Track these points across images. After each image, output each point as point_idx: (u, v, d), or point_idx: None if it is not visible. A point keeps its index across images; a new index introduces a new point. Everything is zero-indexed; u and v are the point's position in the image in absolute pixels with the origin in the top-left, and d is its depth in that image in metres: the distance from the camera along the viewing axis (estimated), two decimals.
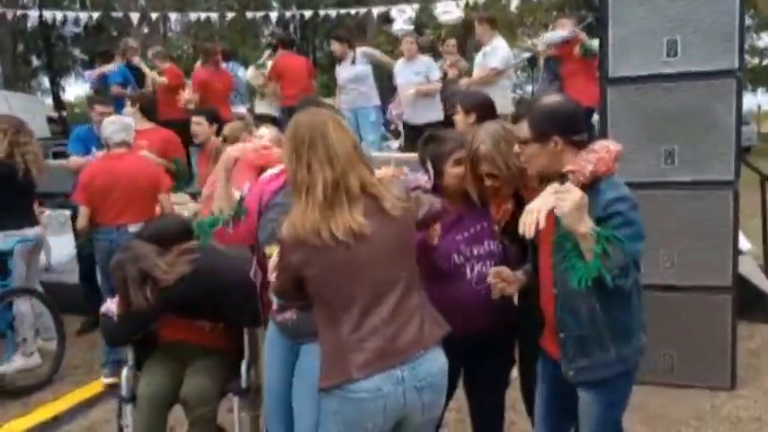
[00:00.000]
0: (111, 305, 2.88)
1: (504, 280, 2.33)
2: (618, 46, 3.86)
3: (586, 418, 2.22)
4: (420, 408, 2.04)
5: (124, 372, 2.95)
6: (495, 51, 6.38)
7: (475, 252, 2.57)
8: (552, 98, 2.19)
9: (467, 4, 10.74)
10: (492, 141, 2.43)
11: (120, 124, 4.47)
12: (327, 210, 1.89)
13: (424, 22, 7.28)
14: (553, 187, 1.95)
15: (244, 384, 2.92)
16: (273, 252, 2.16)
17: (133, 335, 2.91)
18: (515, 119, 2.18)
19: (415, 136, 6.70)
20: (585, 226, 1.90)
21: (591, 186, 2.04)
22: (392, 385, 1.97)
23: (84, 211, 4.31)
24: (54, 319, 4.58)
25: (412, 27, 8.79)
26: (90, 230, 4.37)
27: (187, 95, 7.05)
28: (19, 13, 14.16)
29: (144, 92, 6.74)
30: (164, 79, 7.32)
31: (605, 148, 2.13)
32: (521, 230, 1.92)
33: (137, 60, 7.72)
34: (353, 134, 2.08)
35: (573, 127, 2.12)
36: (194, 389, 2.84)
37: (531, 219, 1.91)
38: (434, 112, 6.73)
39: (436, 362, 2.06)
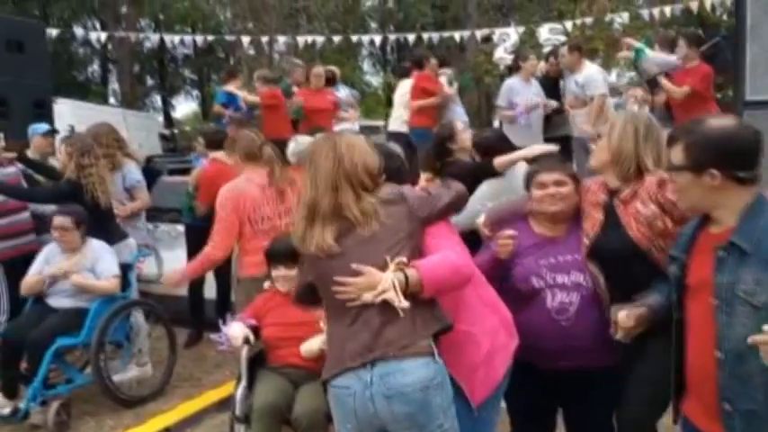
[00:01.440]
0: (229, 330, 2.92)
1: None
2: (755, 67, 3.60)
3: None
4: (392, 419, 2.03)
5: (239, 390, 2.96)
6: (593, 80, 6.26)
7: (558, 280, 2.46)
8: (720, 122, 1.85)
9: (574, 25, 10.53)
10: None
11: (292, 147, 4.73)
12: (308, 225, 2.11)
13: (558, 49, 7.11)
14: None
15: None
16: None
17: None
18: (670, 140, 1.90)
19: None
20: None
21: None
22: (360, 387, 2.04)
23: None
24: (166, 331, 4.74)
25: (510, 56, 8.67)
26: None
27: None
28: (141, 36, 15.16)
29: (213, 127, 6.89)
30: (255, 98, 7.50)
31: None
32: None
33: (232, 86, 7.95)
34: (357, 160, 2.13)
35: (739, 160, 1.77)
36: (306, 412, 2.82)
37: None
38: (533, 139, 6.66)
39: (412, 374, 2.02)
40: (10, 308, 4.58)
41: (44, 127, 5.44)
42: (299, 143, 4.90)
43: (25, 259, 4.52)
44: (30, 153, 5.20)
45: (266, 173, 3.86)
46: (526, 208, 2.62)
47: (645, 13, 10.98)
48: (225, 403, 4.05)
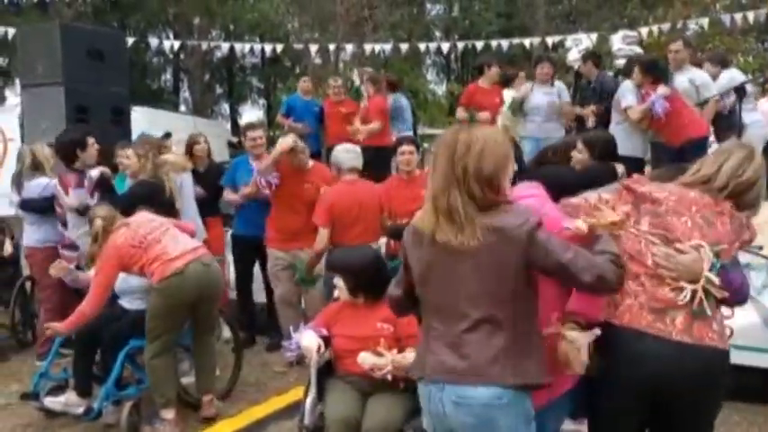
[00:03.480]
0: (303, 339, 2.90)
1: None
2: None
3: None
4: (460, 426, 2.03)
5: (308, 400, 2.93)
6: (708, 82, 6.06)
7: None
8: None
9: (650, 32, 10.19)
10: None
11: (352, 152, 4.78)
12: (428, 217, 2.03)
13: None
14: None
15: (425, 424, 2.79)
16: None
17: None
18: None
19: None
20: None
21: None
22: (436, 389, 2.06)
23: (324, 233, 4.60)
24: (232, 335, 4.79)
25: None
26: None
27: (359, 126, 7.22)
28: (212, 45, 15.63)
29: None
30: (375, 126, 7.20)
31: None
32: None
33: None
34: (470, 162, 1.99)
35: None
36: (377, 423, 2.79)
37: None
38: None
39: (485, 393, 1.99)
40: None
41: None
42: (351, 150, 4.85)
43: None
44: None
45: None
46: None
47: (726, 18, 10.52)
48: (291, 410, 4.06)
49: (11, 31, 11.23)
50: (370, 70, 8.28)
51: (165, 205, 4.50)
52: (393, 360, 2.73)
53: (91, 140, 4.99)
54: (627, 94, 5.99)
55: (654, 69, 5.78)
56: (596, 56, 7.34)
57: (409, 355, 2.85)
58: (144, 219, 4.00)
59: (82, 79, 5.99)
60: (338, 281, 3.10)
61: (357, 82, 8.06)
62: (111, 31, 12.18)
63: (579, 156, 3.53)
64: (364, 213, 4.64)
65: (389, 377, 2.76)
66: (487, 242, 1.95)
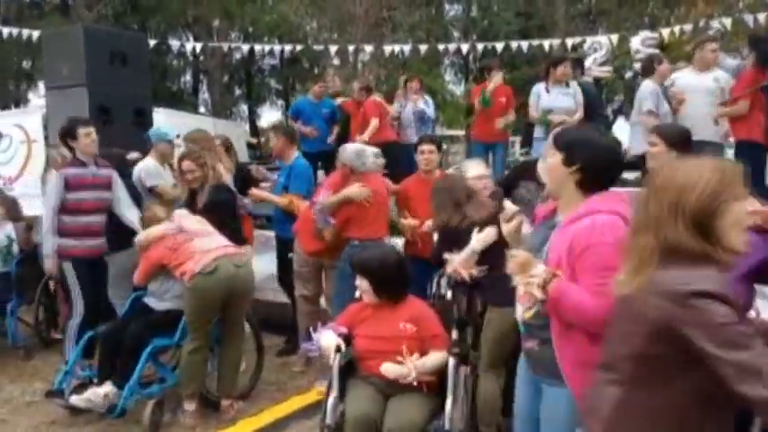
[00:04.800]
0: (321, 339, 2.91)
1: None
2: None
3: None
4: None
5: (330, 399, 2.94)
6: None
7: None
8: None
9: (671, 33, 10.07)
10: None
11: (365, 158, 4.69)
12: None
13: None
14: None
15: (447, 426, 2.79)
16: None
17: None
18: None
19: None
20: None
21: None
22: None
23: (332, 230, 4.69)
24: (254, 335, 4.80)
25: (600, 68, 8.35)
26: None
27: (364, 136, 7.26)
28: (232, 46, 15.76)
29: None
30: (373, 123, 7.37)
31: None
32: None
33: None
34: None
35: None
36: (399, 422, 2.78)
37: None
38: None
39: None
40: (84, 311, 4.68)
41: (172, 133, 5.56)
42: (355, 150, 4.75)
43: (93, 262, 4.73)
44: (152, 158, 5.38)
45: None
46: None
47: (749, 18, 10.36)
48: (311, 409, 4.08)
49: (35, 35, 11.39)
50: (359, 83, 8.37)
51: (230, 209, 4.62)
52: (415, 366, 2.74)
53: (83, 130, 4.72)
54: (647, 97, 6.01)
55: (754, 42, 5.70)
56: (581, 63, 7.74)
57: (432, 358, 2.85)
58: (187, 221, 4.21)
59: (105, 81, 6.09)
60: (362, 282, 3.10)
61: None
62: (133, 33, 12.30)
63: (655, 149, 3.24)
64: (385, 208, 4.78)
65: (415, 383, 2.77)
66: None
